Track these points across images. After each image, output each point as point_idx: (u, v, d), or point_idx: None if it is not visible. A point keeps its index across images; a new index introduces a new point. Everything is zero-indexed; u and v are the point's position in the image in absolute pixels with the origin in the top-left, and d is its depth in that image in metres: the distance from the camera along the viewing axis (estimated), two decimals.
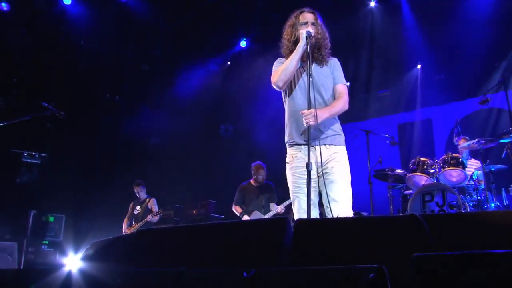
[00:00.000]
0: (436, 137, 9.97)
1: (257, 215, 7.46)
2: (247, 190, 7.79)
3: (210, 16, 9.40)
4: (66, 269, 2.65)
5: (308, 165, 3.07)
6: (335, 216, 3.21)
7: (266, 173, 7.87)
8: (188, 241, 2.58)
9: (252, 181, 7.88)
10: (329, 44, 3.63)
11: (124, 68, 9.72)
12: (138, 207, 8.55)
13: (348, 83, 3.62)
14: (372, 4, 9.27)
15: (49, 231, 8.30)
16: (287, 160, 3.61)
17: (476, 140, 6.88)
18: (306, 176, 3.11)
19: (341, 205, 3.31)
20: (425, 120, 10.24)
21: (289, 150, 3.60)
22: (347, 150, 3.64)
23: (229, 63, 11.02)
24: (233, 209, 7.67)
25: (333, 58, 3.69)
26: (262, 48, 10.02)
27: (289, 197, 7.00)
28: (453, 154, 6.91)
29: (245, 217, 7.40)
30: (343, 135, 3.58)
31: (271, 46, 9.92)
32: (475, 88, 8.97)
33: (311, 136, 3.22)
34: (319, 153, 3.35)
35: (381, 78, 10.14)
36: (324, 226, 2.10)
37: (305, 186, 3.10)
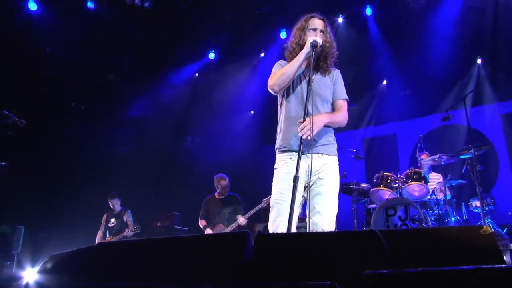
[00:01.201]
0: (401, 151, 10.16)
1: (220, 227, 7.42)
2: (210, 203, 7.73)
3: (179, 27, 9.39)
4: (23, 282, 2.58)
5: (295, 178, 2.92)
6: (318, 229, 3.17)
7: (229, 185, 7.78)
8: (148, 255, 2.52)
9: (216, 194, 7.82)
10: (336, 53, 3.56)
11: (91, 77, 9.56)
12: (112, 220, 8.39)
13: (347, 99, 3.56)
14: (340, 20, 9.36)
15: (6, 243, 7.94)
16: (275, 166, 3.47)
17: (437, 155, 7.05)
18: (292, 185, 3.00)
19: (325, 218, 3.24)
20: (390, 135, 10.43)
21: (279, 156, 3.47)
22: None
23: (197, 74, 10.99)
24: (199, 223, 7.61)
25: (337, 69, 3.63)
26: (230, 60, 10.13)
27: (252, 208, 7.15)
28: (416, 169, 7.01)
29: (208, 231, 7.35)
30: (336, 145, 3.48)
31: (239, 59, 10.22)
32: (438, 104, 9.28)
33: (304, 143, 3.09)
34: (310, 162, 3.24)
35: (348, 93, 10.05)
36: (284, 241, 2.08)
37: (290, 194, 2.98)
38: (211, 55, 10.60)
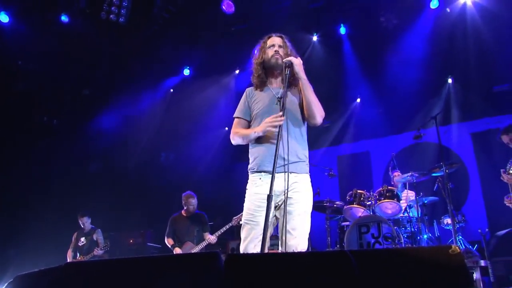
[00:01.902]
0: (374, 169, 10.25)
1: (189, 246, 7.34)
2: (177, 221, 7.64)
3: (154, 43, 9.36)
4: None
5: (269, 197, 2.93)
6: (290, 249, 3.16)
7: (196, 203, 7.71)
8: (117, 275, 2.47)
9: (183, 212, 7.74)
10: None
11: (64, 92, 9.47)
12: (82, 239, 8.29)
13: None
14: (314, 38, 9.46)
15: None
16: (247, 187, 3.45)
17: (410, 173, 7.14)
18: (262, 205, 3.02)
19: (295, 237, 3.20)
20: (363, 152, 10.53)
21: (250, 176, 3.45)
22: None
23: (172, 90, 10.95)
24: (166, 241, 7.51)
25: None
26: (205, 76, 10.14)
27: (222, 227, 7.11)
28: (389, 187, 7.10)
29: (177, 250, 7.24)
30: (306, 162, 3.42)
31: (214, 75, 10.23)
32: (410, 123, 9.33)
33: (275, 162, 3.09)
34: (280, 181, 3.24)
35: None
36: (255, 262, 2.06)
37: (260, 215, 3.03)
38: (186, 71, 10.61)
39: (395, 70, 8.99)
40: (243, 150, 3.51)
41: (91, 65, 9.30)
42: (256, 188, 3.34)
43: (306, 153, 3.47)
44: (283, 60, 3.36)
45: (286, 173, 3.28)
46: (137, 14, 8.57)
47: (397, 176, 7.58)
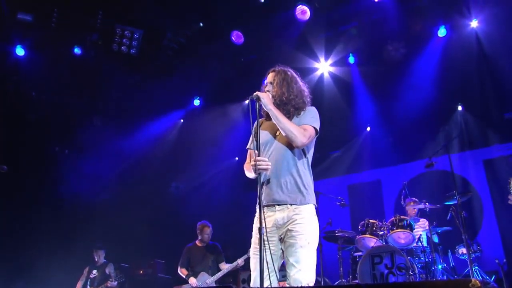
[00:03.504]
0: (386, 198, 10.16)
1: (204, 276, 7.26)
2: (192, 251, 7.59)
3: (165, 73, 9.37)
4: None
5: (260, 230, 2.98)
6: (295, 283, 3.12)
7: (212, 232, 7.71)
8: None
9: (197, 242, 7.70)
10: (299, 98, 3.54)
11: (76, 121, 9.53)
12: (94, 271, 8.24)
13: (314, 127, 3.46)
14: (323, 67, 9.42)
15: None
16: (254, 220, 3.48)
17: (422, 202, 7.04)
18: (265, 238, 3.06)
19: (299, 271, 3.15)
20: (374, 181, 10.44)
21: (257, 210, 3.44)
22: None
23: (182, 120, 10.94)
24: (179, 271, 7.43)
25: (308, 108, 3.60)
26: (215, 107, 10.13)
27: (234, 258, 7.13)
28: (401, 216, 7.02)
29: (192, 280, 7.17)
30: (308, 192, 3.36)
31: (224, 105, 10.24)
32: (421, 151, 9.32)
33: (271, 195, 3.25)
34: (281, 214, 3.27)
35: (332, 140, 10.23)
36: None
37: (263, 248, 3.02)
38: (196, 102, 10.62)
39: (405, 98, 8.95)
40: (253, 180, 3.45)
41: (102, 95, 9.40)
42: (257, 222, 3.30)
43: (308, 182, 3.42)
44: (250, 96, 3.39)
45: (286, 205, 3.30)
46: (147, 45, 8.63)
47: (410, 205, 7.48)
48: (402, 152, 9.85)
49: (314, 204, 3.39)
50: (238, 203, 10.69)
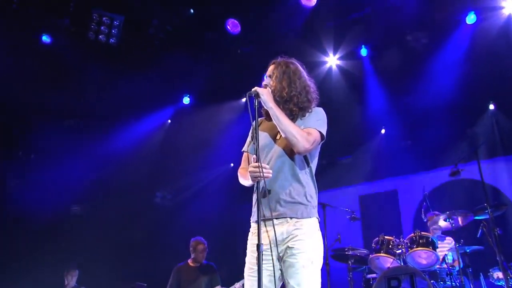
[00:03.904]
0: (403, 211, 10.16)
1: None
2: (183, 272, 7.53)
3: (150, 67, 9.26)
4: None
5: (258, 247, 2.92)
6: None
7: (206, 250, 7.73)
8: None
9: (190, 261, 7.66)
10: (303, 95, 3.46)
11: (45, 122, 9.19)
12: None
13: (320, 131, 3.38)
14: (331, 61, 9.35)
15: None
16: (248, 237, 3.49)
17: (447, 217, 6.91)
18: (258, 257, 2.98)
19: None
20: (390, 191, 10.48)
21: (251, 225, 3.47)
22: None
23: (169, 121, 10.86)
24: None
25: (315, 109, 3.54)
26: (207, 105, 10.13)
27: (229, 280, 7.13)
28: (422, 233, 6.90)
29: None
30: (311, 204, 3.31)
31: (218, 104, 10.20)
32: (445, 156, 9.24)
33: (269, 207, 3.19)
34: (280, 229, 3.22)
35: (341, 143, 10.16)
36: None
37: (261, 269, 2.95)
38: (186, 100, 10.50)
39: (426, 96, 8.89)
40: (251, 188, 3.40)
41: (76, 92, 9.15)
42: (253, 238, 3.35)
43: (312, 193, 3.38)
44: (248, 92, 3.34)
45: (285, 219, 3.26)
46: (129, 34, 8.56)
47: (433, 219, 7.32)
48: (422, 158, 9.80)
49: (317, 218, 3.35)
50: (235, 215, 10.72)
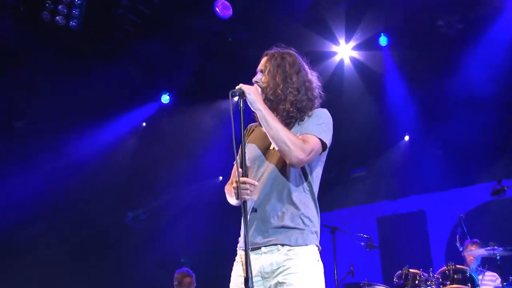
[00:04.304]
0: (433, 237, 10.10)
1: None
2: None
3: (121, 58, 8.91)
4: None
5: (247, 282, 2.84)
6: None
7: (195, 286, 7.78)
8: None
9: None
10: (302, 94, 3.36)
11: None
12: None
13: (320, 138, 3.23)
14: (343, 52, 9.20)
15: None
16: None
17: (489, 245, 6.76)
18: None
19: None
20: (415, 212, 10.40)
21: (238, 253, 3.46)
22: None
23: (144, 124, 10.72)
24: None
25: (317, 110, 3.43)
26: (191, 105, 10.03)
27: None
28: (457, 266, 6.83)
29: None
30: (309, 228, 3.20)
31: (204, 104, 9.98)
32: (485, 170, 9.34)
33: (256, 232, 3.16)
34: (269, 258, 3.13)
35: (354, 153, 10.37)
36: None
37: None
38: (165, 98, 10.33)
39: (461, 94, 8.77)
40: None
41: (27, 87, 8.96)
42: (237, 269, 3.31)
43: (311, 215, 3.27)
44: (231, 91, 3.23)
45: (275, 246, 3.16)
46: (94, 16, 8.25)
47: (472, 249, 7.23)
48: (456, 172, 9.76)
49: (317, 246, 3.25)
50: (225, 239, 10.38)
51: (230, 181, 3.59)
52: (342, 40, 8.97)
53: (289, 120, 3.33)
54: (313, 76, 3.49)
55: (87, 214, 9.92)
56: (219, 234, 10.84)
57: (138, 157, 10.51)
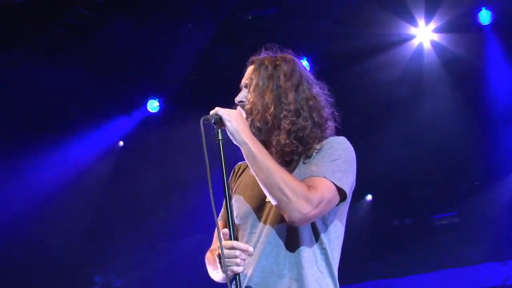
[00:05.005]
0: None
1: None
2: None
3: (89, 51, 9.14)
4: None
5: None
6: None
7: None
8: None
9: None
10: (302, 117, 3.14)
11: None
12: None
13: (334, 182, 2.97)
14: (422, 35, 9.14)
15: None
16: None
17: None
18: None
19: None
20: None
21: None
22: None
23: (121, 143, 10.60)
24: None
25: (330, 139, 3.20)
26: (185, 114, 9.57)
27: None
28: None
29: None
30: None
31: (205, 112, 9.09)
32: None
33: None
34: None
35: (439, 188, 10.26)
36: None
37: None
38: (152, 105, 10.10)
39: None
40: None
41: None
42: None
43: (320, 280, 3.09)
44: (204, 117, 2.93)
45: None
46: None
47: None
48: None
49: None
50: None
51: (212, 246, 3.43)
52: (421, 20, 8.99)
53: (289, 158, 3.12)
54: (319, 91, 3.27)
55: (37, 279, 9.99)
56: None
57: (111, 194, 10.46)
